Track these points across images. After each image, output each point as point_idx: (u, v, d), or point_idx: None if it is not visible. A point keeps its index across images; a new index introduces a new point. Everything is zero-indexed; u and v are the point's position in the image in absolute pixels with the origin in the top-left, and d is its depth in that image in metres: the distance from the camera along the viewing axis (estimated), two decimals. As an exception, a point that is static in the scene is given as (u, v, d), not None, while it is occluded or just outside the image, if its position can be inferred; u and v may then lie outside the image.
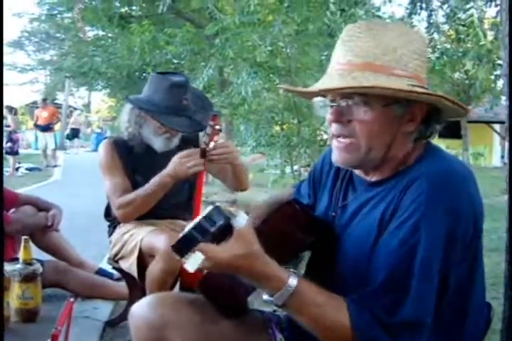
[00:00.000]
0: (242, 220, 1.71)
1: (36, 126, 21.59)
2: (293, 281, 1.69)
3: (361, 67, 1.77)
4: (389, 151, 1.83)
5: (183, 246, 1.66)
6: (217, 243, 1.66)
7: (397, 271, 1.68)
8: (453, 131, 29.38)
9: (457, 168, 1.79)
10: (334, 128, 1.85)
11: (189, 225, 1.68)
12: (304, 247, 2.02)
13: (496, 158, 27.32)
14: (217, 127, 3.37)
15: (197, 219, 1.67)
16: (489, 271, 4.72)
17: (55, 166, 21.09)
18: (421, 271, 1.66)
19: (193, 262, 1.64)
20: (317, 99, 1.91)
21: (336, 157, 1.89)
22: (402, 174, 1.83)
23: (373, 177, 1.93)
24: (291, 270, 1.75)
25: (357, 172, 2.00)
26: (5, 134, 16.64)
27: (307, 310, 1.71)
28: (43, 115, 21.24)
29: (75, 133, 34.13)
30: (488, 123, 29.28)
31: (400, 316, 1.65)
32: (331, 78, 1.82)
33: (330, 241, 1.96)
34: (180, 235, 1.68)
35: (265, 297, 1.75)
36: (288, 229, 1.94)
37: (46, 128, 21.08)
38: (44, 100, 22.80)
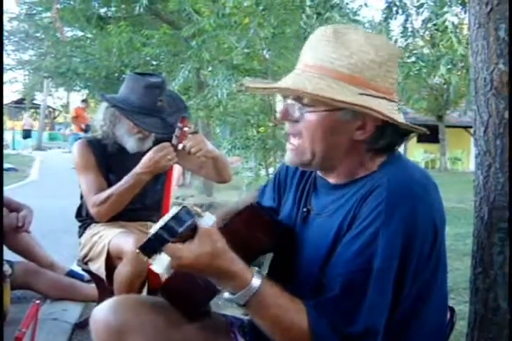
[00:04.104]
0: (208, 220, 1.71)
1: (88, 126, 20.86)
2: (256, 281, 1.68)
3: (315, 69, 1.78)
4: (336, 157, 1.84)
5: (151, 247, 1.64)
6: (182, 242, 1.65)
7: (354, 279, 1.69)
8: (431, 136, 29.69)
9: (418, 177, 1.79)
10: (286, 125, 1.88)
11: (156, 226, 1.66)
12: (265, 250, 2.02)
13: (473, 163, 27.44)
14: (185, 129, 3.38)
15: (164, 219, 1.65)
16: (461, 275, 4.78)
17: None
18: (377, 280, 1.66)
19: (160, 263, 1.63)
20: (277, 97, 1.93)
21: (286, 157, 1.92)
22: (364, 180, 1.82)
23: (334, 180, 1.92)
24: (256, 269, 1.74)
25: (319, 173, 2.00)
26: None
27: (267, 311, 1.71)
28: (86, 116, 20.97)
29: (27, 134, 34.76)
30: (466, 127, 29.51)
31: (356, 325, 1.66)
32: (285, 78, 1.84)
33: (291, 244, 1.97)
34: (148, 236, 1.66)
35: (226, 295, 1.73)
36: (249, 232, 1.95)
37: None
38: (84, 101, 22.60)
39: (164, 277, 1.73)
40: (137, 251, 1.66)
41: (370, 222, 1.69)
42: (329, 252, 1.79)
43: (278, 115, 1.90)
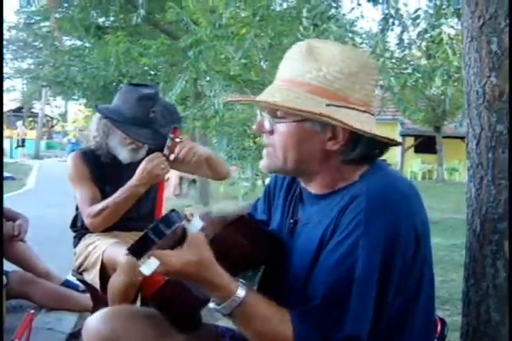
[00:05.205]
0: (197, 224, 1.74)
1: None
2: (241, 292, 1.71)
3: (288, 82, 1.84)
4: (310, 166, 1.88)
5: (140, 248, 1.66)
6: (171, 248, 1.68)
7: (336, 288, 1.71)
8: (428, 146, 29.69)
9: (398, 185, 1.81)
10: (263, 137, 1.96)
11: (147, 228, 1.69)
12: (256, 260, 2.03)
13: (470, 174, 27.33)
14: (177, 139, 3.40)
15: (154, 222, 1.68)
16: (456, 286, 4.77)
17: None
18: (359, 289, 1.68)
19: (148, 266, 1.65)
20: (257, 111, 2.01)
21: (260, 164, 1.99)
22: (346, 190, 1.84)
23: (316, 191, 1.95)
24: (241, 281, 1.76)
25: (302, 184, 2.03)
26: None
27: (252, 322, 1.73)
28: None
29: (23, 143, 35.39)
30: (463, 138, 29.49)
31: (339, 333, 1.68)
32: (263, 92, 1.90)
33: (281, 254, 1.99)
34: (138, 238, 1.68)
35: (212, 305, 1.76)
36: (240, 242, 1.97)
37: None
38: None
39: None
40: (127, 251, 1.68)
41: (349, 232, 1.72)
42: (313, 261, 1.81)
43: (254, 127, 1.97)
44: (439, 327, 2.05)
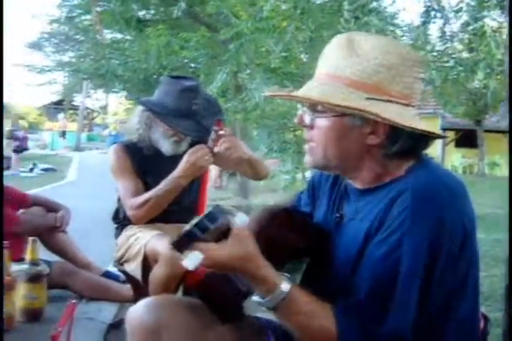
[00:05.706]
0: (242, 218, 1.75)
1: None
2: (286, 286, 1.71)
3: (327, 77, 1.83)
4: (352, 161, 1.87)
5: (183, 243, 1.68)
6: (215, 242, 1.69)
7: (380, 283, 1.70)
8: (469, 141, 29.40)
9: (445, 180, 1.78)
10: (304, 131, 1.95)
11: (191, 222, 1.70)
12: (300, 251, 2.03)
13: None
14: (221, 132, 3.40)
15: (198, 217, 1.69)
16: (499, 282, 4.73)
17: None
18: (403, 284, 1.67)
19: (192, 260, 1.66)
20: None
21: (305, 158, 1.98)
22: (392, 185, 1.83)
23: (361, 186, 1.94)
24: (285, 274, 1.77)
25: (347, 179, 2.02)
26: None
27: (296, 316, 1.73)
28: None
29: (63, 135, 36.51)
30: (504, 132, 29.15)
31: (382, 328, 1.67)
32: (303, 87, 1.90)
33: (325, 247, 1.99)
34: (182, 232, 1.70)
35: (256, 298, 1.77)
36: (285, 233, 1.96)
37: None
38: None
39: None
40: (170, 246, 1.70)
41: (395, 228, 1.70)
42: (359, 256, 1.81)
43: (295, 120, 1.98)
44: (481, 324, 2.02)
